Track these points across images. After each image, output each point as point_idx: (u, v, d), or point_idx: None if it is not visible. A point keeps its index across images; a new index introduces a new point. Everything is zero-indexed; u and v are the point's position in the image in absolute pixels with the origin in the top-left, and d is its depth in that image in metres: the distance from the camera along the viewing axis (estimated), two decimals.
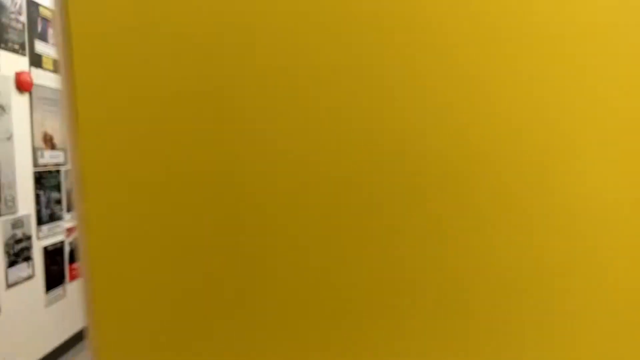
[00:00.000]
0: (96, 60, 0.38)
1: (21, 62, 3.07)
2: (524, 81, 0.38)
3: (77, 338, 3.74)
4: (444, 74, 0.37)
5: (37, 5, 3.26)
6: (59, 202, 3.47)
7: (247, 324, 0.33)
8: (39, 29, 3.28)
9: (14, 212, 2.94)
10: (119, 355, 0.41)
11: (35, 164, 3.19)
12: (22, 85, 3.04)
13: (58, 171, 3.47)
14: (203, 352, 0.34)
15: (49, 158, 3.34)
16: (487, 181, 0.37)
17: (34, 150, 3.18)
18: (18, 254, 2.98)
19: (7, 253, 2.87)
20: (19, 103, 3.03)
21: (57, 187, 3.46)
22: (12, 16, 2.98)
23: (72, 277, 3.66)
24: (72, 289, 3.64)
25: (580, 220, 0.37)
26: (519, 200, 0.37)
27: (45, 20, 3.34)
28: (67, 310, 3.59)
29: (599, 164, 0.37)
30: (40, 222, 3.23)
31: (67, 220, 3.59)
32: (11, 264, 2.91)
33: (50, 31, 3.39)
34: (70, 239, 3.63)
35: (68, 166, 3.61)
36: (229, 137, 0.30)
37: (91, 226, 0.41)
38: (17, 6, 3.04)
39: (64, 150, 3.54)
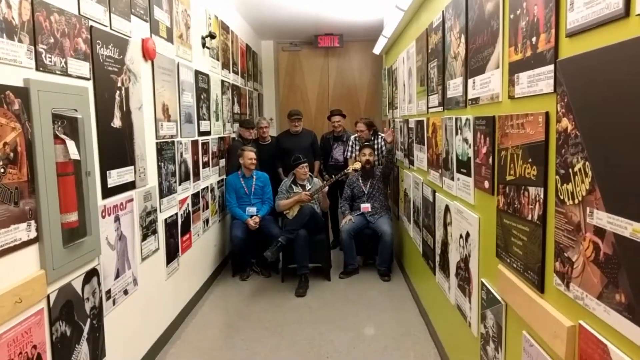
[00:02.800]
0: None
1: (145, 29, 2.95)
2: None
3: (186, 310, 3.74)
4: None
5: None
6: (173, 174, 3.40)
7: None
8: None
9: (145, 184, 2.87)
10: None
11: (157, 135, 3.11)
12: (147, 52, 2.92)
13: (173, 142, 3.39)
14: None
15: (166, 129, 3.25)
16: None
17: (156, 121, 3.09)
18: (148, 226, 2.93)
19: (141, 226, 2.82)
20: (144, 71, 2.92)
21: (172, 159, 3.38)
22: None
23: (183, 250, 3.62)
24: (183, 261, 3.61)
25: None
26: None
27: None
28: (180, 283, 3.57)
29: None
30: (161, 194, 3.16)
31: (179, 193, 3.53)
32: (143, 237, 2.86)
33: None
34: (181, 211, 3.57)
35: (179, 138, 3.51)
36: None
37: None
38: None
39: (175, 121, 3.44)
